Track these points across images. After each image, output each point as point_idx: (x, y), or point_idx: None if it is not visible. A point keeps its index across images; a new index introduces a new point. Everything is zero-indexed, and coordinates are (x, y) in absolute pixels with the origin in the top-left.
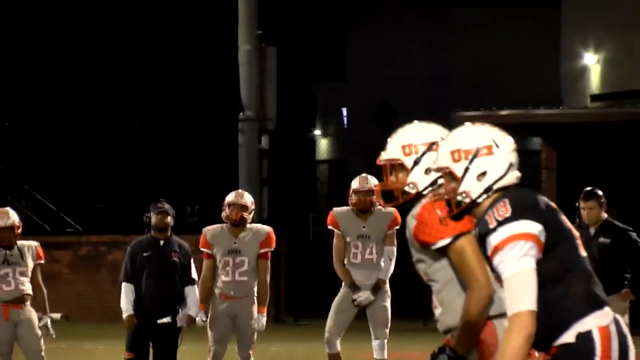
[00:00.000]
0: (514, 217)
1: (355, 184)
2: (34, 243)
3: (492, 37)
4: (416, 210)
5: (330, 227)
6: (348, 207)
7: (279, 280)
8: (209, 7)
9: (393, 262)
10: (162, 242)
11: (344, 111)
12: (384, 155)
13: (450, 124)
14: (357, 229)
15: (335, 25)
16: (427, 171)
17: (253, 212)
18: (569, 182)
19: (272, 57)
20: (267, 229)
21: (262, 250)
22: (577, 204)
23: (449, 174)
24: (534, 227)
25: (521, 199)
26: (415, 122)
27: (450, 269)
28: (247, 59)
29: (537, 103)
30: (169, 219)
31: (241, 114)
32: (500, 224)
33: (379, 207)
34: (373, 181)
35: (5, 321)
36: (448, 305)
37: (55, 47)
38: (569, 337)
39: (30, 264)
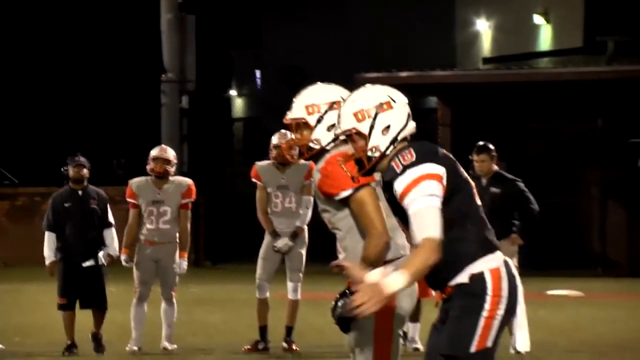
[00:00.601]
0: (418, 161)
1: (274, 139)
2: None
3: (391, 6)
4: (321, 164)
5: (253, 179)
6: (269, 161)
7: (198, 227)
8: None
9: (310, 211)
10: (80, 192)
11: (258, 74)
12: (290, 115)
13: (354, 85)
14: (277, 181)
15: None
16: (330, 128)
17: (175, 165)
18: (462, 138)
19: (191, 25)
20: (188, 181)
21: (184, 201)
22: (470, 157)
23: (356, 134)
24: (438, 169)
25: (424, 147)
26: (318, 83)
27: (352, 218)
28: (169, 27)
29: (434, 66)
30: (85, 171)
31: (163, 76)
32: (406, 167)
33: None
34: (289, 136)
35: None
36: (350, 251)
37: None
38: (463, 277)
39: None
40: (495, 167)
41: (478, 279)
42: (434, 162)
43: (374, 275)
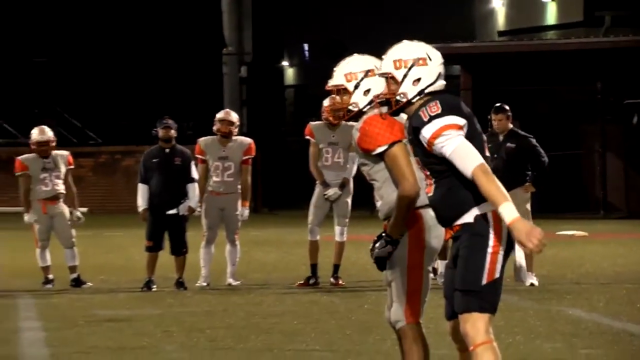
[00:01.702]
0: (443, 113)
1: (326, 102)
2: (65, 152)
3: None
4: (359, 124)
5: (307, 137)
6: (321, 121)
7: (257, 180)
8: None
9: (355, 165)
10: (167, 150)
11: (306, 47)
12: (331, 82)
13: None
14: (328, 138)
15: None
16: (365, 93)
17: (237, 126)
18: (481, 100)
19: (248, 4)
20: (249, 140)
21: (245, 157)
22: (488, 117)
23: (391, 78)
24: (460, 120)
25: (448, 101)
26: (354, 54)
27: (387, 171)
28: (229, 7)
29: (456, 38)
30: (172, 132)
31: (225, 49)
32: (433, 117)
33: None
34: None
35: (43, 214)
36: (386, 199)
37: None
38: (469, 217)
39: (63, 169)
40: (510, 125)
41: (481, 220)
42: (456, 114)
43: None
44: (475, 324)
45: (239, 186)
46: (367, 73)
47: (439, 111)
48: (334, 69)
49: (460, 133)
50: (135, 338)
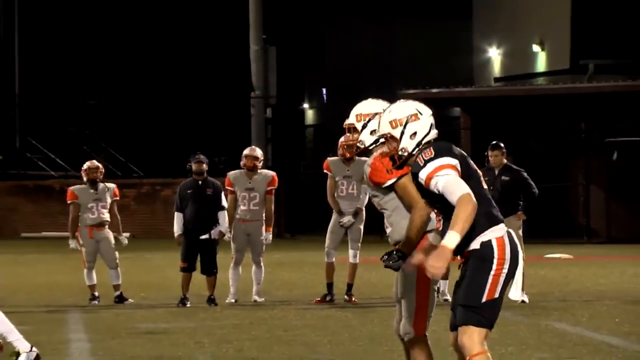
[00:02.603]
0: (436, 156)
1: (342, 139)
2: (113, 185)
3: (425, 39)
4: (370, 160)
5: (325, 170)
6: (337, 157)
7: (280, 208)
8: (228, 21)
9: (367, 196)
10: (200, 182)
11: (324, 91)
12: (347, 121)
13: (397, 98)
14: (343, 172)
15: (317, 32)
16: (372, 132)
17: (262, 161)
18: (479, 138)
19: (272, 54)
20: (272, 173)
21: (269, 188)
22: (486, 153)
23: (390, 138)
24: (452, 160)
25: (441, 146)
26: (369, 98)
27: (396, 200)
28: (256, 56)
29: (457, 84)
30: (204, 166)
31: (252, 93)
32: (427, 161)
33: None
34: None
35: (90, 239)
36: (396, 226)
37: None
38: (475, 244)
39: (109, 200)
40: (505, 160)
41: (487, 246)
42: (448, 156)
43: (433, 240)
44: (472, 336)
45: (264, 214)
46: (375, 115)
47: (433, 155)
48: (352, 109)
49: (453, 171)
50: (172, 348)
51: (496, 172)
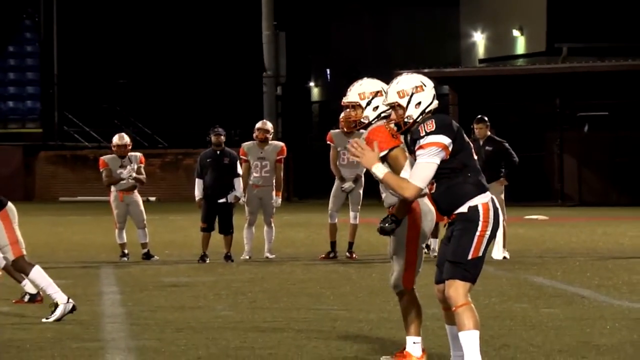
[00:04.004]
0: (436, 130)
1: (342, 115)
2: (138, 154)
3: (417, 24)
4: (365, 133)
5: (328, 142)
6: (339, 130)
7: (289, 175)
8: (243, 10)
9: None
10: (218, 152)
11: (328, 71)
12: (345, 99)
13: (393, 77)
14: (344, 142)
15: (322, 19)
16: (375, 109)
17: (272, 133)
18: (466, 113)
19: (282, 38)
20: (282, 144)
21: (279, 157)
22: (471, 126)
23: (397, 106)
24: (446, 140)
25: (441, 120)
26: (365, 78)
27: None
28: (268, 40)
29: (446, 65)
30: (222, 138)
31: (264, 73)
32: (427, 134)
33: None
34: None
35: (120, 202)
36: (389, 192)
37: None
38: (464, 208)
39: (136, 166)
40: (489, 132)
41: (474, 210)
42: (445, 133)
43: (378, 164)
44: (458, 289)
45: (274, 180)
46: (377, 94)
47: (433, 129)
48: (349, 88)
49: (440, 152)
50: (193, 299)
51: (481, 142)
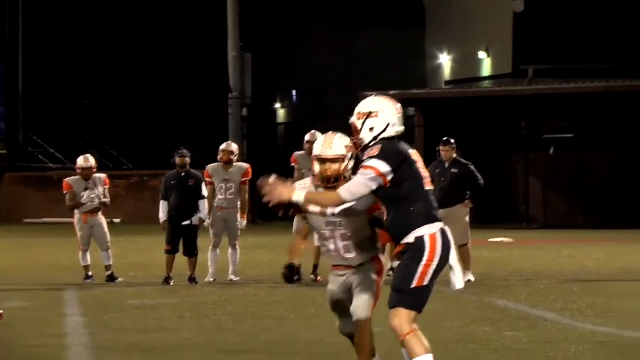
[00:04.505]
0: (377, 156)
1: (307, 137)
2: (103, 175)
3: (384, 46)
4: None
5: (292, 164)
6: (303, 152)
7: (254, 197)
8: (209, 31)
9: None
10: (183, 174)
11: (294, 92)
12: (328, 153)
13: (360, 100)
14: (308, 165)
15: (289, 40)
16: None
17: (237, 155)
18: (432, 135)
19: (248, 59)
20: (247, 165)
21: (243, 179)
22: (438, 148)
23: (354, 127)
24: (384, 167)
25: (387, 149)
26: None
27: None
28: (234, 61)
29: (412, 86)
30: (187, 159)
31: (230, 94)
32: (369, 158)
33: None
34: (318, 135)
35: (84, 224)
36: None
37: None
38: (410, 238)
39: (100, 189)
40: (455, 155)
41: (420, 240)
42: (385, 161)
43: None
44: (402, 318)
45: (239, 202)
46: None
47: (375, 154)
48: (327, 140)
49: (376, 178)
50: (158, 322)
51: (447, 165)
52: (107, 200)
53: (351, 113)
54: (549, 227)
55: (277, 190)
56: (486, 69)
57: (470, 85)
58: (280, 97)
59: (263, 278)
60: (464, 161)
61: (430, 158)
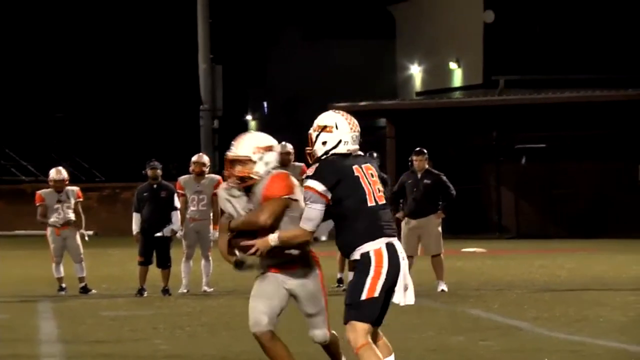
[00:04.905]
0: (312, 176)
1: (278, 148)
2: (75, 188)
3: (355, 57)
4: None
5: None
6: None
7: None
8: (179, 43)
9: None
10: (155, 186)
11: (265, 104)
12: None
13: (327, 110)
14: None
15: (259, 52)
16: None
17: (209, 166)
18: (403, 146)
19: (219, 72)
20: (218, 177)
21: (215, 191)
22: (409, 158)
23: (309, 139)
24: (319, 186)
25: (323, 168)
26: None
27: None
28: (204, 73)
29: (383, 97)
30: (158, 171)
31: (201, 106)
32: (307, 177)
33: (294, 162)
34: (289, 147)
35: (57, 236)
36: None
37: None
38: (356, 255)
39: (73, 201)
40: (427, 165)
41: (365, 256)
42: (319, 181)
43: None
44: (356, 331)
45: (211, 214)
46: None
47: (311, 174)
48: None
49: (316, 197)
50: (132, 333)
51: (419, 175)
52: (79, 217)
53: None
54: (521, 236)
55: (258, 244)
56: (457, 79)
57: (441, 96)
58: (252, 108)
59: (237, 289)
60: (435, 171)
61: (401, 169)
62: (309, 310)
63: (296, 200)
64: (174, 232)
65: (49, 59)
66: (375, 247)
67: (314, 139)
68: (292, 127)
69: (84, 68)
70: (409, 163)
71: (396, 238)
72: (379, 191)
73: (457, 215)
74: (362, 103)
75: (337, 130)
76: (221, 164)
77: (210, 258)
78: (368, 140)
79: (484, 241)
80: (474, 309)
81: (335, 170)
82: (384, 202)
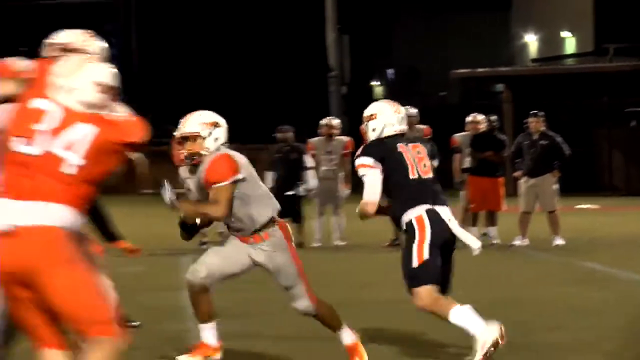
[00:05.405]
0: (360, 155)
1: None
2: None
3: (474, 28)
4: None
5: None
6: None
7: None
8: (310, 15)
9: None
10: (286, 148)
11: (389, 71)
12: (182, 131)
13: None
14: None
15: (384, 23)
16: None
17: (339, 129)
18: (520, 110)
19: (346, 41)
20: (347, 138)
21: (344, 151)
22: (525, 121)
23: (363, 131)
24: (368, 160)
25: (370, 146)
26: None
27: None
28: (333, 43)
29: (500, 64)
30: (289, 134)
31: (330, 74)
32: (357, 156)
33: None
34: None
35: None
36: None
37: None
38: (403, 225)
39: None
40: (543, 127)
41: (409, 224)
42: (367, 156)
43: None
44: (421, 297)
45: (341, 173)
46: (216, 124)
47: (359, 153)
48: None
49: (368, 171)
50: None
51: (535, 137)
52: None
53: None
54: (631, 194)
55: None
56: (569, 47)
57: (555, 63)
58: (377, 75)
59: (363, 244)
60: (551, 133)
61: (517, 132)
62: (282, 282)
63: (243, 179)
64: (308, 191)
65: (185, 27)
66: (416, 214)
67: (365, 129)
68: (414, 93)
69: (219, 40)
70: (525, 125)
71: (445, 206)
72: (425, 166)
73: (571, 174)
74: (480, 69)
75: (380, 116)
76: (350, 126)
77: (342, 214)
78: (486, 104)
79: (596, 198)
80: (586, 262)
81: (379, 149)
82: (430, 175)
